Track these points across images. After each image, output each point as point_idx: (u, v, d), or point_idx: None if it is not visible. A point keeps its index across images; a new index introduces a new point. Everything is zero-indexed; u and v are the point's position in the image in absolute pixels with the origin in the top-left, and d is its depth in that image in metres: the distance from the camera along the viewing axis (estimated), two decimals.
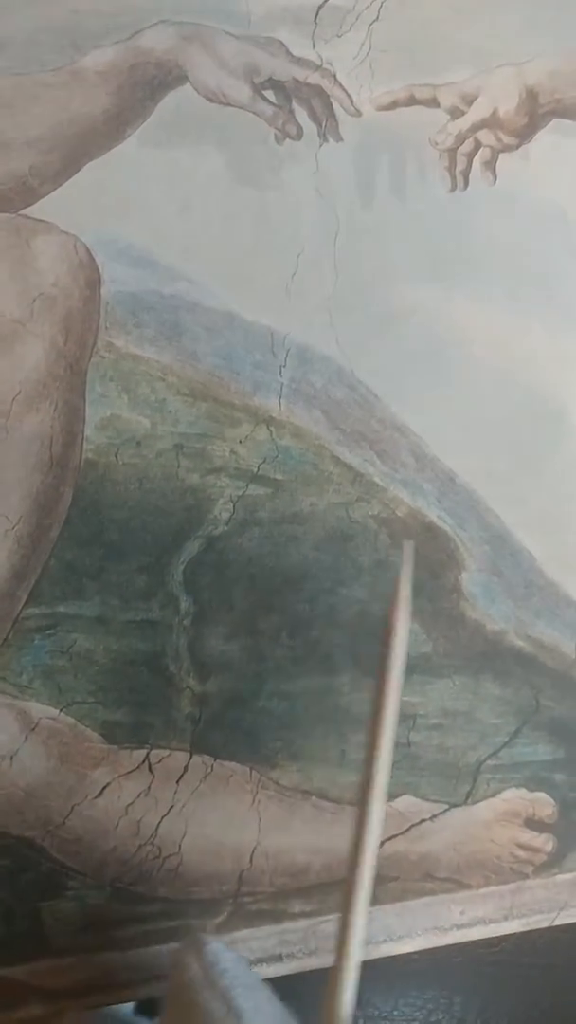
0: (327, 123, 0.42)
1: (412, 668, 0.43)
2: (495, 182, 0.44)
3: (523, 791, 0.46)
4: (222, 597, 0.42)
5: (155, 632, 0.42)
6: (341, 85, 0.42)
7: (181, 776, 0.42)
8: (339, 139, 0.42)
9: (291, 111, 0.42)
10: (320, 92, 0.42)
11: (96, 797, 0.41)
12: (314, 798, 0.44)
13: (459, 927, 0.46)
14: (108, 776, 0.42)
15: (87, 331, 0.40)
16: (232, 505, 0.42)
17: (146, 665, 0.42)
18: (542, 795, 0.46)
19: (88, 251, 0.40)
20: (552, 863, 0.47)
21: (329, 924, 0.44)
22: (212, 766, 0.43)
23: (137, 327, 0.41)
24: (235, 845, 0.43)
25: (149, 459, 0.41)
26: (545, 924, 0.47)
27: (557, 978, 0.49)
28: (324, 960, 0.44)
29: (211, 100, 0.41)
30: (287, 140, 0.42)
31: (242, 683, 0.43)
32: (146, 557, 0.41)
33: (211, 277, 0.41)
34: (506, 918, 0.47)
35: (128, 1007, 0.44)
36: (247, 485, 0.42)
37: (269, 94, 0.42)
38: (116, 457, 0.41)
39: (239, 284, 0.42)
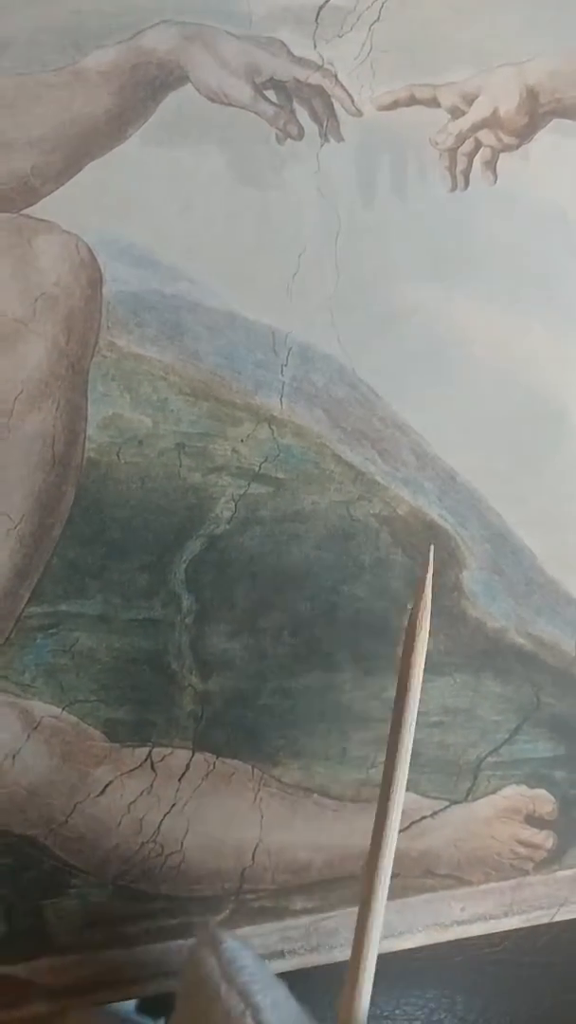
0: (328, 123, 0.42)
1: None
2: (495, 182, 0.44)
3: (523, 788, 0.46)
4: (224, 595, 0.42)
5: (157, 630, 0.42)
6: (342, 85, 0.42)
7: (183, 774, 0.42)
8: (340, 139, 0.42)
9: (292, 111, 0.42)
10: (321, 92, 0.42)
11: (98, 795, 0.41)
12: (316, 795, 0.44)
13: (460, 923, 0.46)
14: (110, 774, 0.42)
15: (89, 330, 0.40)
16: (234, 504, 0.42)
17: (148, 663, 0.42)
18: (542, 792, 0.47)
19: (90, 250, 0.40)
20: (552, 859, 0.47)
21: (331, 920, 0.44)
22: (214, 764, 0.43)
23: (139, 326, 0.41)
24: (237, 842, 0.43)
25: (151, 458, 0.41)
26: (545, 920, 0.47)
27: (559, 977, 0.49)
28: (326, 956, 0.44)
29: (212, 100, 0.41)
30: (288, 140, 0.42)
31: (244, 681, 0.43)
32: (148, 556, 0.41)
33: (213, 276, 0.41)
34: (506, 914, 0.47)
35: (130, 1005, 0.44)
36: (249, 484, 0.42)
37: (270, 94, 0.42)
38: (118, 456, 0.41)
39: (241, 283, 0.42)
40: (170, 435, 0.42)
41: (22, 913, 0.41)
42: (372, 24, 0.42)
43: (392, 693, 0.36)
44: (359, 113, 0.42)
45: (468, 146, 0.44)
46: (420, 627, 0.35)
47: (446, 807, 0.46)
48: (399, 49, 0.43)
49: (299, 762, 0.44)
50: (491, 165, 0.44)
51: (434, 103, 0.43)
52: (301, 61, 0.42)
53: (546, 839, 0.47)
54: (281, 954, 0.44)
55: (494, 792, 0.46)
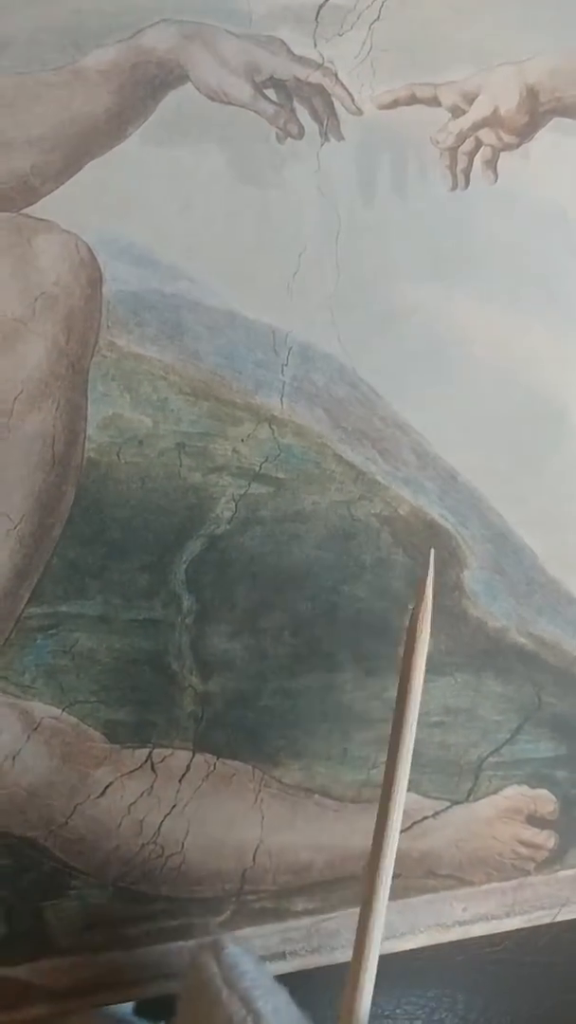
0: (328, 122, 0.42)
1: None
2: (496, 181, 0.44)
3: (525, 788, 0.46)
4: (224, 596, 0.42)
5: (157, 631, 0.42)
6: (342, 84, 0.42)
7: (184, 775, 0.42)
8: (340, 138, 0.42)
9: (292, 110, 0.42)
10: (321, 91, 0.42)
11: (99, 796, 0.41)
12: (316, 796, 0.44)
13: (461, 923, 0.46)
14: (111, 775, 0.41)
15: (89, 330, 0.40)
16: (234, 504, 0.42)
17: (148, 664, 0.42)
18: (544, 792, 0.47)
19: (89, 250, 0.40)
20: (554, 859, 0.47)
21: (332, 922, 0.44)
22: (215, 765, 0.43)
23: (139, 326, 0.41)
24: (238, 843, 0.43)
25: (151, 458, 0.41)
26: (547, 920, 0.47)
27: (560, 976, 0.49)
28: (327, 958, 0.44)
29: (212, 99, 0.41)
30: (288, 139, 0.42)
31: (244, 681, 0.43)
32: (148, 556, 0.41)
33: (213, 276, 0.41)
34: (508, 914, 0.47)
35: (127, 1008, 0.44)
36: (249, 484, 0.42)
37: (270, 93, 0.42)
38: (118, 456, 0.41)
39: (241, 283, 0.42)
40: (170, 435, 0.41)
41: (22, 915, 0.41)
42: (372, 23, 0.42)
43: (393, 693, 0.36)
44: (359, 112, 0.42)
45: (468, 145, 0.44)
46: (421, 628, 0.35)
47: (447, 807, 0.45)
48: (399, 48, 0.43)
49: (300, 763, 0.44)
50: (491, 164, 0.44)
51: (434, 102, 0.43)
52: (301, 60, 0.42)
53: (547, 839, 0.47)
54: (282, 955, 0.44)
55: (495, 792, 0.46)
